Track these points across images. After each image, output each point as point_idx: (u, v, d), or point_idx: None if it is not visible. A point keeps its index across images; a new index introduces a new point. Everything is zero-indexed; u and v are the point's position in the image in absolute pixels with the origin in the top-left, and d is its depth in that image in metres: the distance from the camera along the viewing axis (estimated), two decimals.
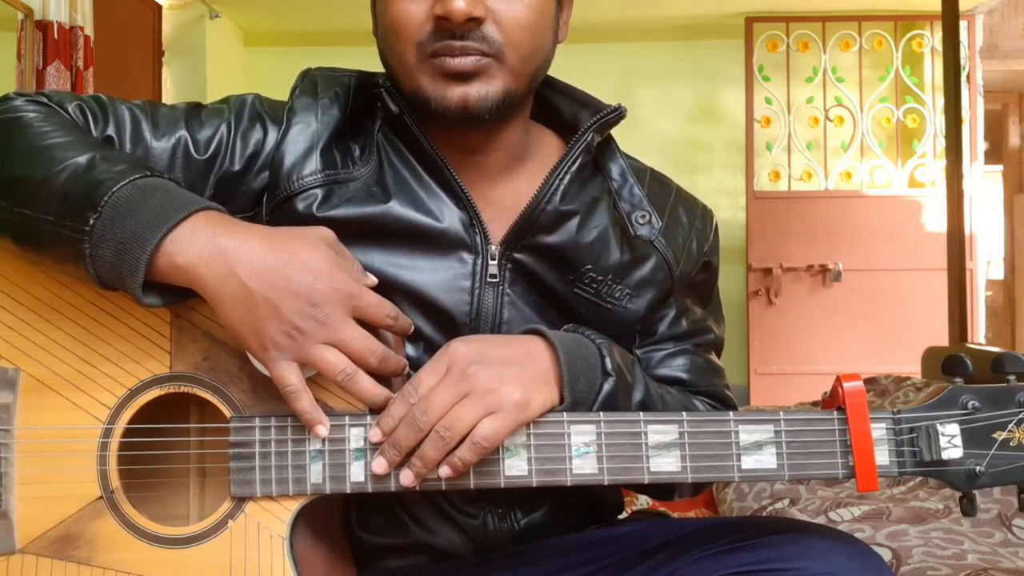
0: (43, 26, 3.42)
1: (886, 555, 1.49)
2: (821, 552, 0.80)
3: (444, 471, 0.79)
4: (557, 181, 0.92)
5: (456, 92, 0.87)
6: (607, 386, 0.85)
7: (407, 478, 0.80)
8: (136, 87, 4.26)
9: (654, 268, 0.98)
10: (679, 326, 1.01)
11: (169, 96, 4.55)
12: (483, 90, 0.87)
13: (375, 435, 0.81)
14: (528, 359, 0.83)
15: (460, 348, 0.82)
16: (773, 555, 0.80)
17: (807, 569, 0.78)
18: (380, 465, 0.80)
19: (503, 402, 0.79)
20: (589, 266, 0.94)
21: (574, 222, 0.94)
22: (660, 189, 1.02)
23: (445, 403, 0.78)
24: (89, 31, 3.62)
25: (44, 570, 0.82)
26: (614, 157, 0.99)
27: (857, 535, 1.11)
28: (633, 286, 0.97)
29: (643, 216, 0.96)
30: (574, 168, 0.92)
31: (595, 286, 0.95)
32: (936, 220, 4.60)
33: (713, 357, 1.05)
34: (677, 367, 1.01)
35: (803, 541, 0.81)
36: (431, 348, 0.91)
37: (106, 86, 3.70)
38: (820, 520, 1.73)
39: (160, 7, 4.53)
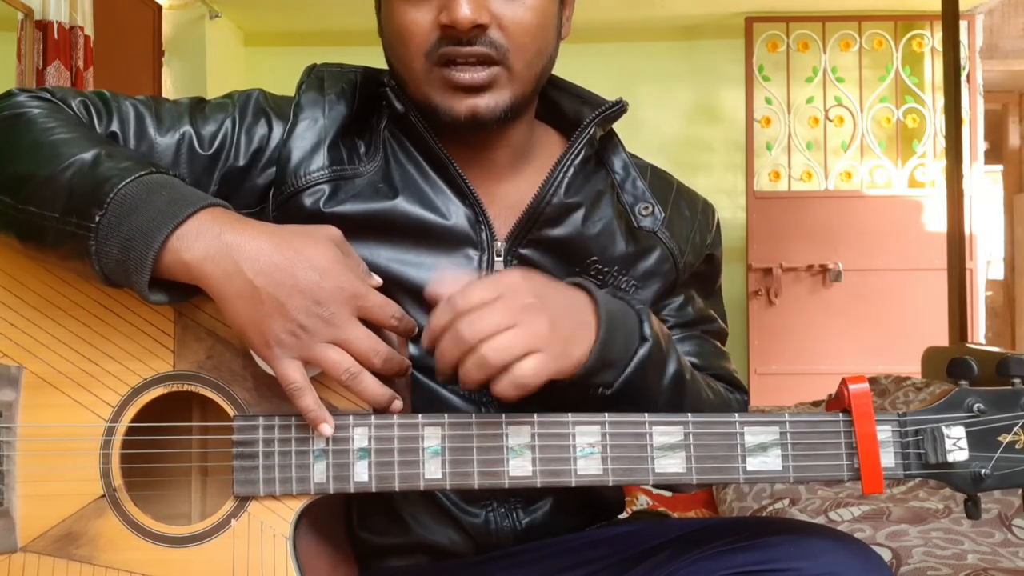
0: (43, 26, 3.42)
1: (886, 555, 1.49)
2: (821, 552, 0.80)
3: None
4: (561, 175, 0.92)
5: (465, 104, 0.87)
6: (642, 351, 0.84)
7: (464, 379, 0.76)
8: (136, 87, 4.26)
9: (659, 259, 0.98)
10: (686, 313, 1.02)
11: (169, 96, 4.54)
12: (492, 101, 0.88)
13: (426, 340, 0.77)
14: (576, 311, 0.80)
15: (517, 278, 0.78)
16: (773, 555, 0.80)
17: (807, 569, 0.78)
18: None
19: (549, 345, 0.76)
20: (595, 257, 0.95)
21: (579, 214, 0.94)
22: (661, 184, 1.03)
23: (494, 323, 0.74)
24: (89, 31, 3.62)
25: (46, 569, 0.82)
26: (616, 151, 1.00)
27: (857, 535, 1.11)
28: (639, 277, 0.97)
29: (646, 208, 0.97)
30: (577, 161, 0.93)
31: (601, 277, 0.96)
32: (936, 220, 4.60)
33: (719, 344, 1.06)
34: (687, 352, 1.01)
35: (803, 541, 0.81)
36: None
37: (106, 86, 3.66)
38: (820, 520, 1.73)
39: (160, 7, 4.53)
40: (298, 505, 0.82)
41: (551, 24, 0.92)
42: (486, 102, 0.88)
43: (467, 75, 0.87)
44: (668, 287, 1.00)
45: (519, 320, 0.75)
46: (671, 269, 0.99)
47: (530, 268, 0.94)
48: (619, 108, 0.95)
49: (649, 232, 0.97)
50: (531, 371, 0.75)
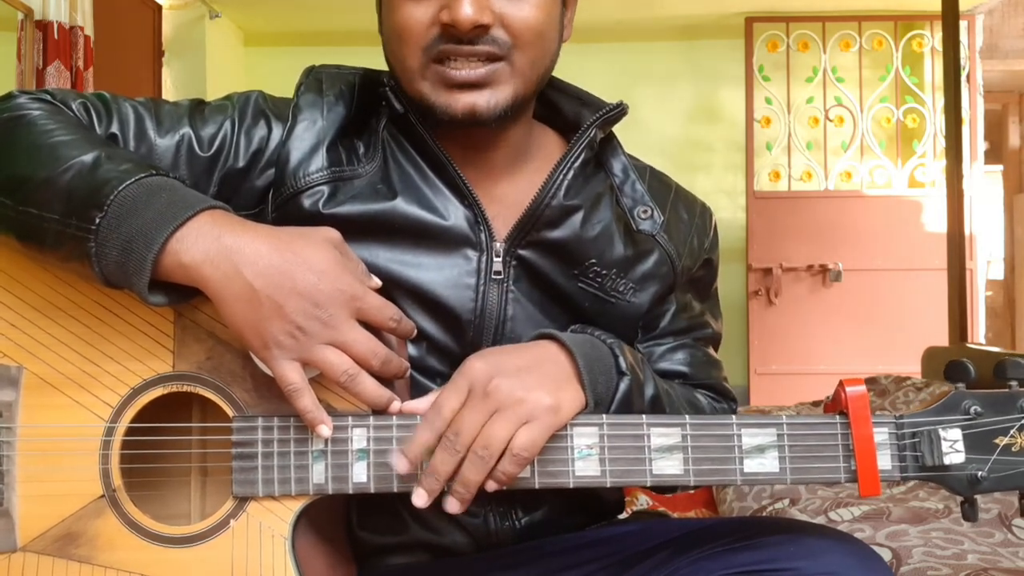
0: (43, 26, 3.42)
1: (886, 555, 1.49)
2: (821, 552, 0.80)
3: (490, 486, 0.79)
4: (561, 176, 0.92)
5: (463, 100, 0.87)
6: (623, 386, 0.86)
7: (453, 506, 0.80)
8: (136, 87, 4.26)
9: (657, 262, 0.99)
10: (679, 321, 1.02)
11: (169, 96, 4.54)
12: (492, 98, 0.87)
13: (403, 465, 0.80)
14: (547, 363, 0.83)
15: (476, 365, 0.81)
16: (773, 555, 0.80)
17: (807, 569, 0.78)
18: (421, 497, 0.80)
19: (534, 410, 0.79)
20: (593, 260, 0.95)
21: (578, 217, 0.94)
22: (660, 187, 1.03)
23: (476, 422, 0.78)
24: (89, 31, 3.62)
25: (45, 568, 0.82)
26: (616, 154, 1.00)
27: (857, 535, 1.11)
28: (637, 280, 0.97)
29: (645, 211, 0.97)
30: (577, 164, 0.93)
31: (599, 280, 0.96)
32: (936, 220, 4.61)
33: (711, 351, 1.06)
34: (678, 361, 1.01)
35: (803, 541, 0.81)
36: (434, 347, 0.91)
37: (106, 86, 3.70)
38: (820, 520, 1.73)
39: (160, 7, 4.53)
40: (297, 506, 0.83)
41: (554, 24, 0.92)
42: (486, 99, 0.87)
43: (463, 71, 0.86)
44: (666, 290, 1.00)
45: (496, 404, 0.78)
46: (669, 272, 1.00)
47: (529, 268, 0.94)
48: (619, 111, 0.95)
49: (648, 235, 0.97)
50: (530, 443, 0.78)
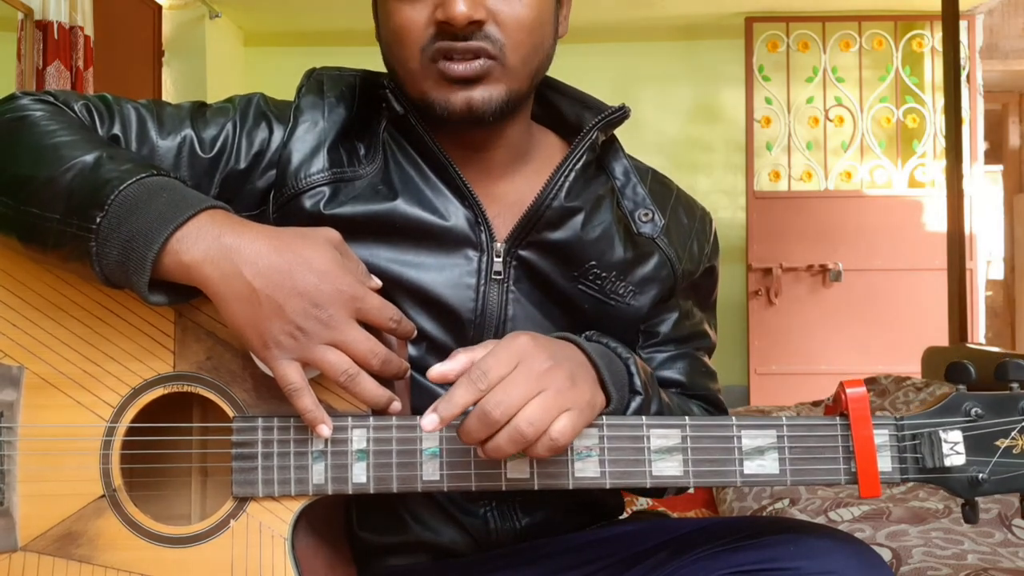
0: (43, 26, 3.42)
1: (886, 555, 1.49)
2: (821, 552, 0.80)
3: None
4: (562, 178, 0.93)
5: (460, 96, 0.87)
6: (634, 404, 0.86)
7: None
8: (136, 87, 4.26)
9: (657, 266, 0.99)
10: (681, 329, 1.02)
11: (169, 96, 4.54)
12: (486, 94, 0.88)
13: (432, 424, 0.74)
14: (579, 365, 0.81)
15: (525, 341, 0.78)
16: (773, 555, 0.80)
17: (807, 569, 0.78)
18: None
19: (576, 401, 0.77)
20: (594, 262, 0.95)
21: (579, 218, 0.94)
22: (661, 190, 1.03)
23: (521, 396, 0.75)
24: (89, 31, 3.63)
25: (46, 568, 0.82)
26: (618, 156, 1.00)
27: (857, 535, 1.11)
28: (637, 283, 0.97)
29: (646, 214, 0.97)
30: (579, 166, 0.93)
31: (599, 282, 0.96)
32: (936, 220, 4.61)
33: (707, 360, 1.06)
34: (677, 370, 1.01)
35: (803, 541, 0.82)
36: (434, 347, 0.91)
37: (106, 86, 3.70)
38: (820, 520, 1.73)
39: (160, 7, 4.53)
40: (297, 506, 0.83)
41: (548, 20, 0.92)
42: (480, 94, 0.88)
43: (460, 67, 0.87)
44: (666, 294, 1.00)
45: (544, 384, 0.76)
46: (669, 275, 1.00)
47: (530, 269, 0.94)
48: (622, 114, 0.95)
49: (648, 238, 0.97)
50: (569, 430, 0.76)
